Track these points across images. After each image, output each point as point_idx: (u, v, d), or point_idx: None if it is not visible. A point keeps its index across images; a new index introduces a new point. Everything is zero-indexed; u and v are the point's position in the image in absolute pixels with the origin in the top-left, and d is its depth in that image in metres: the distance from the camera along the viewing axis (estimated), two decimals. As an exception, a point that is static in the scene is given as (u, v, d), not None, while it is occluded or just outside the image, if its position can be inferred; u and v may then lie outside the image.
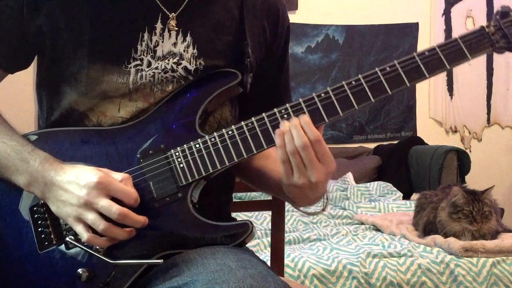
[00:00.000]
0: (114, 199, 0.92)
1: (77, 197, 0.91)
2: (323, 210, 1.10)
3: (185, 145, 0.99)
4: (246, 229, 0.98)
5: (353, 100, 0.97)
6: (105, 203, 0.90)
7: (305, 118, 0.95)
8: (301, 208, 1.09)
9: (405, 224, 2.70)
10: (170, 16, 1.05)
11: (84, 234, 0.91)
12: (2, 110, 1.09)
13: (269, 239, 1.74)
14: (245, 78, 1.07)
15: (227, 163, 0.98)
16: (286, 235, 1.89)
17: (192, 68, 1.07)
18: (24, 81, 3.31)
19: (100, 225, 0.90)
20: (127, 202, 0.92)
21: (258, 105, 1.05)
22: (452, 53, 0.98)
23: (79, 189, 0.91)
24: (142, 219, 0.93)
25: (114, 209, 0.90)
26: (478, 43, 0.99)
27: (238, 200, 1.58)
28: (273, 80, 1.20)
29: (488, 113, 4.28)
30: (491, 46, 0.99)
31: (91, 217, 0.91)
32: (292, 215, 2.96)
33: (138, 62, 1.04)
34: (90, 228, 0.91)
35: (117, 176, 0.94)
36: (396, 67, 0.98)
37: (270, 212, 1.46)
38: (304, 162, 0.94)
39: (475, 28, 1.00)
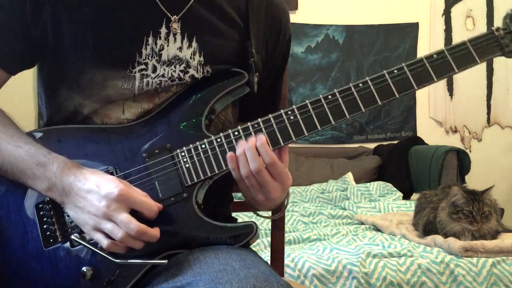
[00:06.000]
0: (133, 211, 0.91)
1: (96, 207, 0.90)
2: (281, 213, 1.15)
3: (191, 145, 0.99)
4: (251, 230, 0.98)
5: (360, 103, 0.96)
6: (124, 218, 0.89)
7: (263, 138, 0.95)
8: (261, 213, 1.10)
9: (405, 224, 2.70)
10: (172, 18, 1.04)
11: (104, 241, 0.91)
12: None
13: (269, 239, 1.73)
14: (251, 77, 1.07)
15: None
16: (286, 235, 1.88)
17: (199, 76, 1.06)
18: (24, 81, 3.32)
19: (118, 234, 0.89)
20: (148, 215, 0.92)
21: (256, 108, 1.05)
22: (461, 56, 0.97)
23: (98, 200, 0.90)
24: (157, 235, 0.92)
25: (132, 226, 0.89)
26: (487, 47, 0.97)
27: (238, 200, 1.58)
28: (271, 85, 1.20)
29: (488, 113, 4.28)
30: (500, 50, 0.98)
31: (109, 226, 0.90)
32: (292, 215, 2.96)
33: (143, 66, 1.03)
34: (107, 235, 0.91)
35: (137, 189, 0.94)
36: (405, 70, 0.97)
37: (270, 213, 1.46)
38: (260, 183, 0.96)
39: (484, 32, 0.98)
